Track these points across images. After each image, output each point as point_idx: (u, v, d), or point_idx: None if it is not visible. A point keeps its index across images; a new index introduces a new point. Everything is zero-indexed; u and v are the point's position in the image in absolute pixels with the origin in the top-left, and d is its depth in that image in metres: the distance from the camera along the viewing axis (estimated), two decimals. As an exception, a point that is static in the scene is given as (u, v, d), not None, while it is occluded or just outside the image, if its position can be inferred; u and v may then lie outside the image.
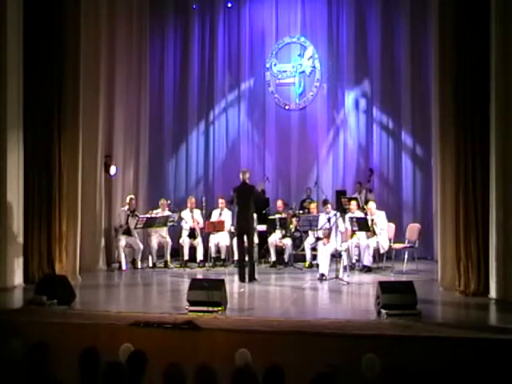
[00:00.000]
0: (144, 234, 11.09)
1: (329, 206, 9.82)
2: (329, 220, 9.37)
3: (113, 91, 10.94)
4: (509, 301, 7.06)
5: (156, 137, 12.75)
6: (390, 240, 10.17)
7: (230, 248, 10.81)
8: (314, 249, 10.29)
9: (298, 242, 11.19)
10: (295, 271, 10.22)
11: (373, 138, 12.30)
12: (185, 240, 10.82)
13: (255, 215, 9.72)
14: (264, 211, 11.16)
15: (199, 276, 9.41)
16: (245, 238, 9.15)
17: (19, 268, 8.41)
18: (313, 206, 11.01)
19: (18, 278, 8.36)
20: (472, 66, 7.67)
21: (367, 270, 9.89)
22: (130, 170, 11.65)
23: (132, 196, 10.82)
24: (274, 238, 10.72)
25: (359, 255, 10.20)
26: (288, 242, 10.61)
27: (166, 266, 10.69)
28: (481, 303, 7.22)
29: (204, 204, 11.11)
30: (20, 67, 8.43)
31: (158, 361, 4.13)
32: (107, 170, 10.65)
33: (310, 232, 10.33)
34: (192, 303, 6.63)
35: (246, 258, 9.13)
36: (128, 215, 10.49)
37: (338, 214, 9.48)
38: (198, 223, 10.89)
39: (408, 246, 10.00)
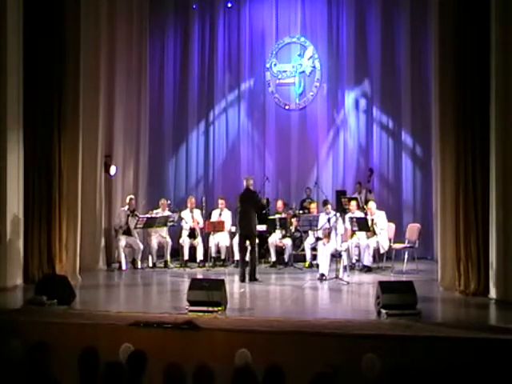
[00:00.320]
0: (144, 234, 11.08)
1: (329, 206, 9.82)
2: (329, 220, 9.38)
3: (113, 91, 10.94)
4: (509, 301, 7.06)
5: (156, 137, 12.75)
6: (390, 240, 10.18)
7: (229, 248, 10.81)
8: (314, 249, 10.29)
9: (298, 242, 11.19)
10: (295, 271, 10.22)
11: (373, 138, 12.30)
12: (185, 240, 10.82)
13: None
14: (264, 211, 11.15)
15: (199, 276, 9.41)
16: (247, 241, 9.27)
17: (19, 268, 8.42)
18: (313, 206, 11.03)
19: (18, 278, 8.36)
20: (472, 66, 7.67)
21: (367, 269, 9.89)
22: (130, 170, 11.65)
23: (132, 196, 10.82)
24: (274, 238, 10.72)
25: (359, 255, 10.20)
26: (288, 242, 10.62)
27: (166, 265, 10.69)
28: (481, 303, 7.22)
29: (204, 204, 11.11)
30: (20, 67, 8.43)
31: (157, 361, 4.14)
32: (107, 170, 10.64)
33: (310, 232, 10.34)
34: (192, 303, 6.63)
35: (247, 259, 9.16)
36: (128, 215, 10.49)
37: (338, 214, 9.48)
38: (198, 223, 10.89)
39: (408, 246, 10.00)
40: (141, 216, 10.57)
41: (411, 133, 12.02)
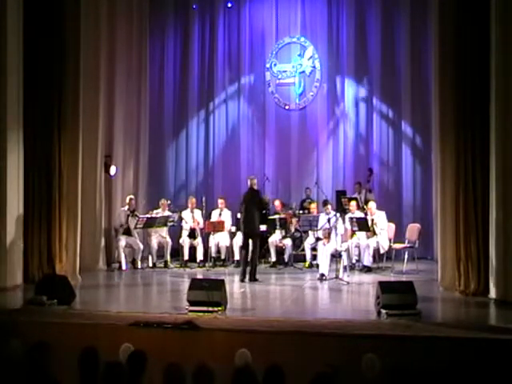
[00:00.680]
0: (144, 234, 11.08)
1: (329, 206, 9.81)
2: (329, 220, 9.38)
3: (113, 91, 10.93)
4: (509, 301, 7.06)
5: (156, 137, 12.75)
6: (390, 240, 10.18)
7: (230, 248, 10.82)
8: (314, 249, 10.29)
9: (298, 242, 11.18)
10: (295, 271, 10.22)
11: (373, 138, 12.29)
12: (185, 240, 10.82)
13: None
14: (264, 211, 11.14)
15: (199, 276, 9.41)
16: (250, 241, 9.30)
17: (19, 268, 8.42)
18: (313, 206, 11.03)
19: (18, 278, 8.36)
20: (472, 66, 7.67)
21: (367, 270, 9.89)
22: (130, 170, 11.65)
23: (132, 196, 10.82)
24: (274, 239, 10.72)
25: (359, 255, 10.20)
26: (288, 242, 10.62)
27: (166, 266, 10.69)
28: (481, 303, 7.23)
29: (204, 204, 11.11)
30: (20, 67, 8.43)
31: (157, 361, 4.14)
32: (107, 170, 10.64)
33: (310, 232, 10.33)
34: (192, 303, 6.63)
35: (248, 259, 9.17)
36: (128, 215, 10.49)
37: (338, 214, 9.48)
38: (199, 223, 10.89)
39: (408, 246, 10.00)
40: (141, 216, 10.57)
41: (411, 133, 12.02)
